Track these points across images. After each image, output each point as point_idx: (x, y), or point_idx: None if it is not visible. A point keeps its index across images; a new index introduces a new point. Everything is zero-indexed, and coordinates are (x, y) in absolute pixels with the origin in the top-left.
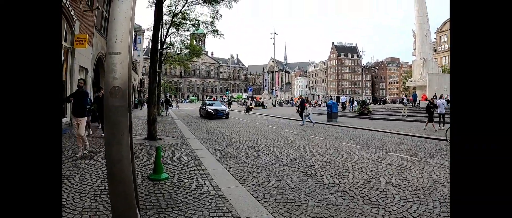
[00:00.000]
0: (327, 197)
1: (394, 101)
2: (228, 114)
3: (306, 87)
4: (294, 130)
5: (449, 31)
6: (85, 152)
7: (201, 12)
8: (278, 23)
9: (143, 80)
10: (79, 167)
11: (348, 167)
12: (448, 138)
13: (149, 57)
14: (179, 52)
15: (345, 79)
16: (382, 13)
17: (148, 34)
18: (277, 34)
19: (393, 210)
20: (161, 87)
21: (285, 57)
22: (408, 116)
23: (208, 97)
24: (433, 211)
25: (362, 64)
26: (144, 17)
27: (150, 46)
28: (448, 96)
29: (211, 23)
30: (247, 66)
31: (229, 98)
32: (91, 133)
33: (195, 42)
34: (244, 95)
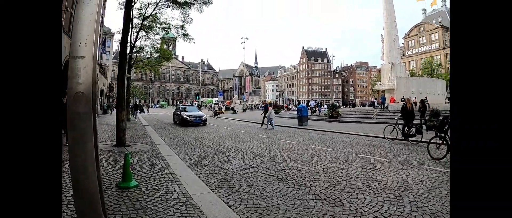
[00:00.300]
0: (298, 200)
1: (363, 105)
2: (205, 120)
3: (277, 91)
4: (264, 134)
5: (416, 36)
6: None
7: (172, 15)
8: (249, 27)
9: (112, 84)
10: None
11: (319, 169)
12: (386, 136)
13: (118, 61)
14: (149, 56)
15: (315, 83)
16: (352, 18)
17: (118, 37)
18: (247, 39)
19: (364, 211)
20: (131, 92)
21: (256, 62)
22: (377, 118)
23: (178, 102)
24: (404, 210)
25: (332, 69)
26: (114, 20)
27: (119, 50)
28: (416, 98)
29: (182, 27)
30: (217, 70)
31: (199, 103)
32: None
33: (165, 46)
34: (214, 100)
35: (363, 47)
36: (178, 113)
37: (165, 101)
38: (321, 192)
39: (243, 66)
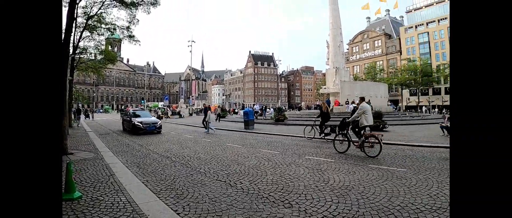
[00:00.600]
0: (247, 204)
1: (309, 108)
2: (160, 127)
3: (223, 95)
4: (211, 139)
5: (360, 42)
6: None
7: (118, 16)
8: (196, 31)
9: None
10: None
11: (267, 172)
12: (306, 136)
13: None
14: (93, 58)
15: (262, 87)
16: (299, 24)
17: None
18: (194, 42)
19: (313, 211)
20: (73, 96)
21: (202, 65)
22: None
23: (123, 106)
24: (352, 208)
25: (278, 73)
26: None
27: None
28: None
29: (128, 28)
30: (163, 74)
31: (145, 107)
32: None
33: (110, 48)
34: (160, 104)
35: (308, 52)
36: (128, 118)
37: (109, 105)
38: (270, 195)
39: (190, 69)
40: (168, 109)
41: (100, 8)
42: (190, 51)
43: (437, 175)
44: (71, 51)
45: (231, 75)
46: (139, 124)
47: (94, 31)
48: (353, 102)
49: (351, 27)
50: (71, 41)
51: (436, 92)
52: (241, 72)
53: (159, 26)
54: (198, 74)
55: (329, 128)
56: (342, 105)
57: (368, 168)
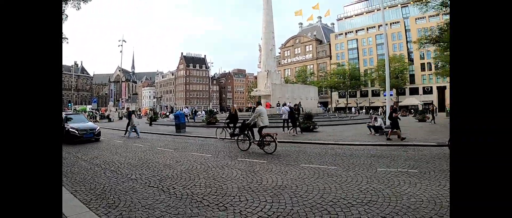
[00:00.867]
0: (182, 209)
1: (240, 110)
2: (99, 134)
3: (154, 98)
4: (142, 144)
5: (292, 47)
6: None
7: None
8: (127, 31)
9: None
10: None
11: (200, 176)
12: (218, 137)
13: None
14: None
15: (193, 89)
16: (232, 27)
17: None
18: (125, 42)
19: (248, 212)
20: None
21: (133, 67)
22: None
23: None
24: (286, 207)
25: (210, 75)
26: None
27: None
28: (290, 103)
29: None
30: (92, 75)
31: (73, 111)
32: None
33: None
34: (88, 107)
35: (242, 56)
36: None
37: None
38: (204, 199)
39: (120, 71)
40: (96, 112)
41: None
42: (121, 52)
43: (366, 170)
44: None
45: (163, 77)
46: (74, 131)
47: None
48: (284, 104)
49: (284, 32)
50: None
51: (364, 94)
52: (172, 74)
53: (88, 23)
54: (128, 75)
55: (237, 129)
56: (273, 107)
57: (300, 167)
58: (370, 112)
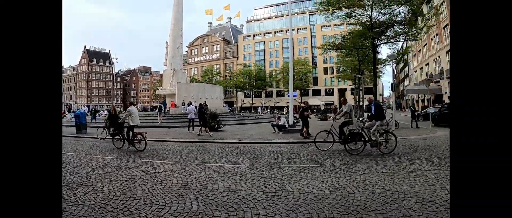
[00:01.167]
0: (84, 217)
1: (145, 109)
2: None
3: None
4: None
5: (200, 46)
6: None
7: None
8: None
9: None
10: None
11: (102, 180)
12: (99, 136)
13: None
14: None
15: (96, 87)
16: (138, 22)
17: None
18: None
19: (154, 215)
20: None
21: None
22: (162, 122)
23: None
24: (192, 206)
25: (114, 72)
26: None
27: None
28: (196, 103)
29: None
30: None
31: None
32: None
33: None
34: None
35: (148, 52)
36: None
37: None
38: (107, 205)
39: None
40: None
41: None
42: None
43: (270, 167)
44: None
45: (63, 72)
46: None
47: None
48: (190, 103)
49: (192, 30)
50: None
51: (269, 94)
52: (73, 69)
53: None
54: None
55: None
56: (178, 106)
57: (205, 166)
58: (275, 111)
